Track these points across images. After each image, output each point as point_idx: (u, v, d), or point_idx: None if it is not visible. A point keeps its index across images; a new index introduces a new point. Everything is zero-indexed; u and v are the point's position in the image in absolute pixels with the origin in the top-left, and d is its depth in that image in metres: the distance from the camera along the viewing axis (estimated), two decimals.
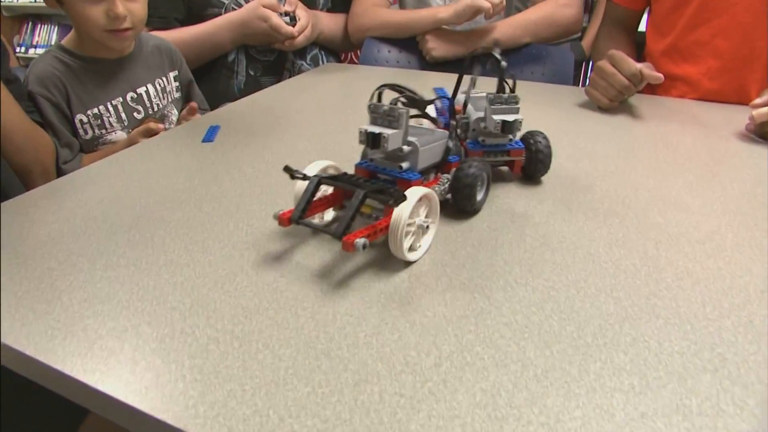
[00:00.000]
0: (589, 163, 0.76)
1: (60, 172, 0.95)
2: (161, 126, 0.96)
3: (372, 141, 0.51)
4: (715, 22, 1.05)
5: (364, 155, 0.59)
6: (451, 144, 0.59)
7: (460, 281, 0.48)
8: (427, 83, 1.22)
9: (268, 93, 1.13)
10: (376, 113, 0.53)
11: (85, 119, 0.99)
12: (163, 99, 1.10)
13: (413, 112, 0.59)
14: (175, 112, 1.14)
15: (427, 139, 0.56)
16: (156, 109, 1.08)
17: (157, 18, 1.26)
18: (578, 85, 2.32)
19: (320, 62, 1.46)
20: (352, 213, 0.48)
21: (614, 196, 0.65)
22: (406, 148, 0.53)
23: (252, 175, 0.71)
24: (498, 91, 0.62)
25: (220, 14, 1.31)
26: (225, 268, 0.51)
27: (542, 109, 1.01)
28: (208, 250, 0.54)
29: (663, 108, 1.02)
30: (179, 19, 1.32)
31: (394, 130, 0.52)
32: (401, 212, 0.47)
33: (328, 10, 1.47)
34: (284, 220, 0.50)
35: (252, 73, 1.38)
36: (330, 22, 1.44)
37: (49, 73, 0.95)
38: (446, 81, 1.19)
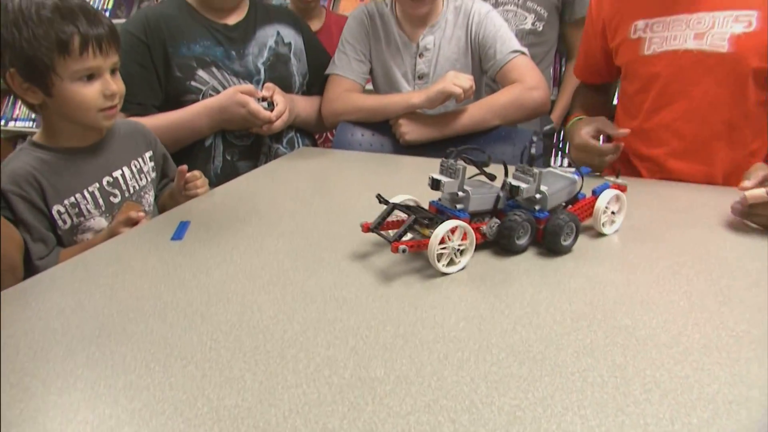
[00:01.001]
0: (560, 258, 0.76)
1: (35, 268, 0.93)
2: (142, 215, 0.96)
3: (433, 184, 0.74)
4: (676, 106, 1.11)
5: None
6: (501, 195, 0.77)
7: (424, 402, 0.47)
8: (400, 167, 1.25)
9: (242, 181, 1.14)
10: (443, 166, 0.75)
11: (62, 209, 0.99)
12: (140, 180, 1.10)
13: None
14: (152, 192, 1.14)
15: (479, 190, 0.76)
16: (132, 191, 1.08)
17: (136, 104, 1.28)
18: (550, 157, 2.39)
19: (296, 144, 1.49)
20: (404, 228, 0.70)
21: (582, 295, 0.66)
22: (461, 193, 0.74)
23: (219, 279, 0.70)
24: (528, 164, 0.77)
25: (198, 100, 1.33)
26: (185, 390, 0.49)
27: None
28: (169, 369, 0.52)
29: (632, 191, 1.05)
30: (157, 105, 1.34)
31: (451, 179, 0.73)
32: (435, 234, 0.67)
33: (303, 93, 1.51)
34: (365, 227, 0.74)
35: (229, 157, 1.39)
36: (306, 106, 1.47)
37: (22, 171, 0.95)
38: (421, 164, 1.22)
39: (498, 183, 0.78)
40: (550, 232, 0.75)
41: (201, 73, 1.34)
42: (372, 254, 0.77)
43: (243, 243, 0.81)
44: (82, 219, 1.00)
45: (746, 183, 0.85)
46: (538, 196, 0.77)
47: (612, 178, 0.88)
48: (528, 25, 1.98)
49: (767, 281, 0.69)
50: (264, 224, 0.89)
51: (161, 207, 1.15)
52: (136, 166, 1.10)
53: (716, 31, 1.05)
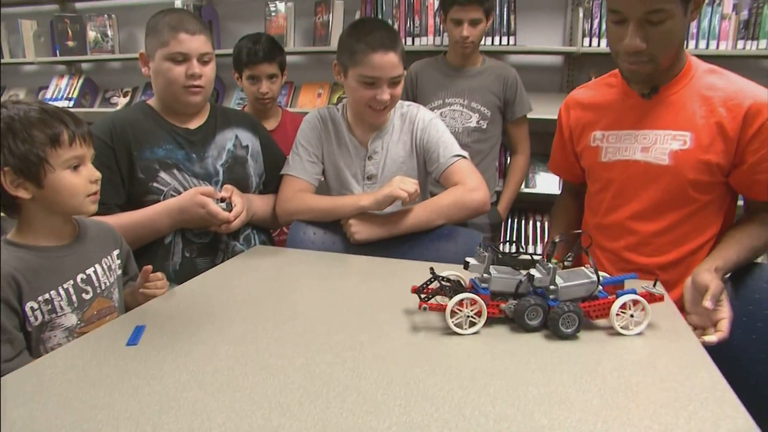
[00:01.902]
0: (490, 359, 0.83)
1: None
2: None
3: (465, 265, 0.95)
4: (628, 207, 1.25)
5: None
6: (523, 281, 0.94)
7: None
8: (349, 267, 1.32)
9: (198, 282, 1.19)
10: (477, 252, 0.95)
11: (35, 306, 1.00)
12: (110, 277, 1.13)
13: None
14: (118, 289, 1.16)
15: (502, 275, 0.94)
16: (104, 287, 1.10)
17: (99, 204, 1.32)
18: (499, 245, 2.49)
19: (252, 241, 1.55)
20: (431, 294, 0.94)
21: (506, 396, 0.72)
22: (485, 275, 0.94)
23: (172, 386, 0.74)
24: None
25: (159, 201, 1.39)
26: None
27: None
28: None
29: None
30: (119, 205, 1.39)
31: (477, 263, 0.94)
32: (450, 301, 0.90)
33: (260, 192, 1.59)
34: (413, 289, 0.97)
35: (187, 254, 1.44)
36: (262, 204, 1.55)
37: (4, 271, 0.97)
38: (370, 264, 1.30)
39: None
40: (551, 318, 0.90)
41: (163, 174, 1.41)
42: (318, 360, 0.82)
43: (196, 348, 0.86)
44: (53, 315, 1.02)
45: (707, 303, 1.01)
46: (552, 287, 0.92)
47: (645, 284, 0.98)
48: (473, 123, 2.15)
49: (673, 378, 0.77)
50: (217, 328, 0.93)
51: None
52: (106, 264, 1.13)
53: (658, 147, 1.20)
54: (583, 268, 0.98)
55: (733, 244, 1.17)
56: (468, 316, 0.91)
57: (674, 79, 1.20)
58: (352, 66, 1.44)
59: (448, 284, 0.97)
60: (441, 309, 0.92)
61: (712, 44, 2.44)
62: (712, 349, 0.90)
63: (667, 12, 1.05)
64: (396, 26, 2.66)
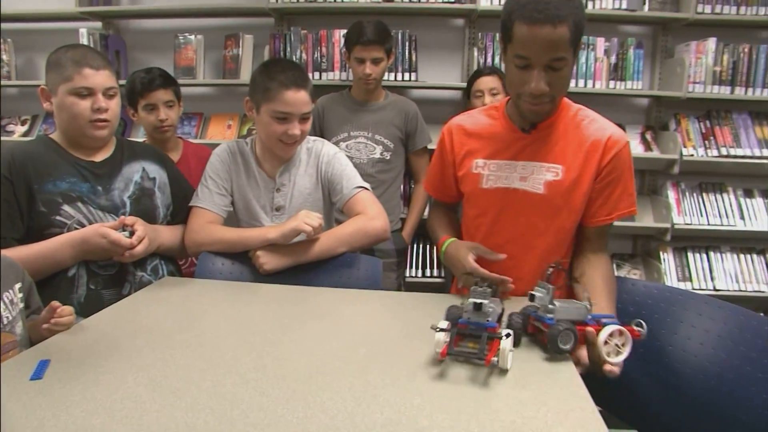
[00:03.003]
0: (380, 374, 0.93)
1: None
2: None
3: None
4: (506, 232, 1.37)
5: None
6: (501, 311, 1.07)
7: None
8: (257, 296, 1.38)
9: (104, 315, 1.20)
10: (475, 292, 1.01)
11: None
12: (12, 311, 1.11)
13: None
14: (21, 323, 1.14)
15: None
16: (6, 322, 1.08)
17: None
18: (404, 271, 2.62)
19: (160, 271, 1.56)
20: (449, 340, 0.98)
21: (393, 404, 0.82)
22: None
23: (79, 416, 0.77)
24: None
25: (62, 233, 1.38)
26: None
27: (351, 316, 1.21)
28: None
29: None
30: (17, 239, 1.37)
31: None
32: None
33: (168, 223, 1.61)
34: (443, 353, 0.96)
35: (93, 287, 1.43)
36: (170, 235, 1.57)
37: None
38: (276, 291, 1.37)
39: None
40: (549, 334, 0.99)
41: (66, 207, 1.40)
42: (224, 382, 0.88)
43: (104, 378, 0.89)
44: None
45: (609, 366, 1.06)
46: (551, 306, 1.02)
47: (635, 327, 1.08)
48: (377, 155, 2.29)
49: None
50: (124, 358, 0.97)
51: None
52: (8, 298, 1.11)
53: (535, 177, 1.33)
54: (571, 299, 1.10)
55: (611, 301, 1.28)
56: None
57: (550, 117, 1.34)
58: (265, 102, 1.53)
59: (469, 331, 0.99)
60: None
61: (589, 83, 2.74)
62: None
63: (565, 59, 1.18)
64: (304, 60, 2.77)
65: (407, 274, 2.67)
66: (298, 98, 1.51)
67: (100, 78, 1.42)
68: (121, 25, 3.09)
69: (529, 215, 1.35)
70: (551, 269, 1.13)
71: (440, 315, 1.08)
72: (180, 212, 1.64)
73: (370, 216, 1.55)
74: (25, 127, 3.11)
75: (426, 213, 2.65)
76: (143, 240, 1.41)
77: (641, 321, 1.08)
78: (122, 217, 1.43)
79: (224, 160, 1.65)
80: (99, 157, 1.50)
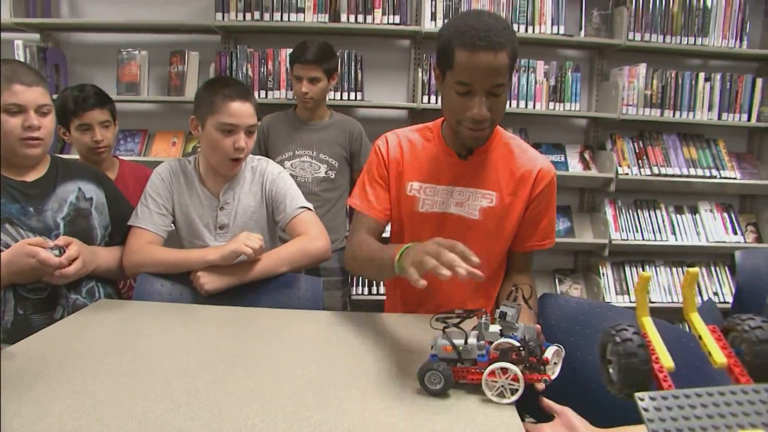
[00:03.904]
0: (315, 395, 0.94)
1: None
2: None
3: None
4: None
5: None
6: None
7: None
8: (195, 317, 1.36)
9: (33, 340, 1.16)
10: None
11: None
12: None
13: None
14: None
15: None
16: None
17: None
18: (349, 290, 2.64)
19: (96, 294, 1.52)
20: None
21: (326, 427, 0.83)
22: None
23: None
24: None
25: None
26: None
27: (289, 337, 1.21)
28: None
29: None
30: None
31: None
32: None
33: (107, 244, 1.57)
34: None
35: (21, 311, 1.37)
36: (109, 257, 1.52)
37: None
38: (217, 313, 1.35)
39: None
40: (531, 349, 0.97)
41: None
42: (154, 407, 0.87)
43: (26, 409, 0.86)
44: None
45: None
46: (516, 325, 1.01)
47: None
48: (322, 174, 2.31)
49: None
50: (51, 386, 0.94)
51: None
52: None
53: (471, 203, 1.36)
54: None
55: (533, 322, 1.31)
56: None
57: (486, 144, 1.36)
58: (210, 115, 1.53)
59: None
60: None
61: (530, 104, 2.85)
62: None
63: (504, 85, 1.21)
64: (250, 78, 2.77)
65: (353, 293, 2.68)
66: (243, 110, 1.53)
67: (32, 95, 1.37)
68: (60, 37, 3.01)
69: (464, 240, 1.35)
70: (515, 289, 1.17)
71: (382, 334, 1.10)
72: (119, 233, 1.60)
73: (312, 237, 1.56)
74: None
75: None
76: (76, 260, 1.36)
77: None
78: (62, 237, 1.38)
79: (165, 179, 1.63)
80: (31, 177, 1.45)
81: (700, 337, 0.66)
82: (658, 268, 3.05)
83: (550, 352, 1.03)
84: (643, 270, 3.02)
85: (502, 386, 0.93)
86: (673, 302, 2.95)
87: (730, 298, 2.90)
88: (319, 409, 0.88)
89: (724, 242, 2.97)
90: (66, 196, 1.48)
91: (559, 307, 1.44)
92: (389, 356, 1.11)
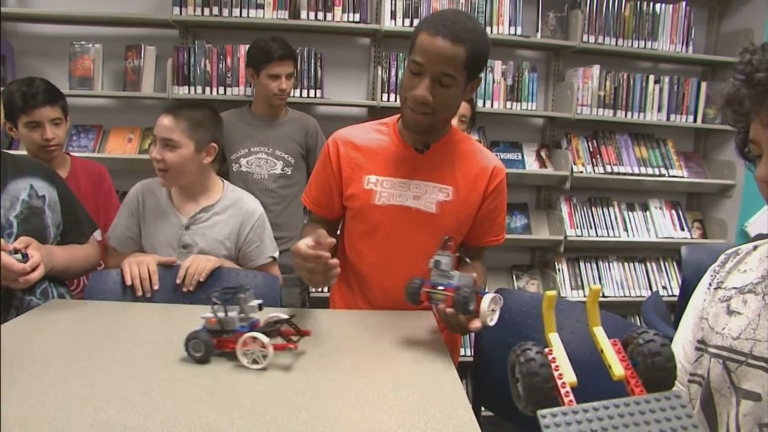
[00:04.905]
0: (269, 389, 0.94)
1: None
2: None
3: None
4: (400, 248, 1.40)
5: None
6: None
7: None
8: (147, 316, 1.34)
9: None
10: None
11: None
12: None
13: None
14: None
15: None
16: None
17: None
18: (308, 287, 2.63)
19: (50, 295, 1.48)
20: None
21: (280, 421, 0.84)
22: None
23: None
24: None
25: None
26: None
27: None
28: None
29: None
30: None
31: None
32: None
33: (58, 243, 1.53)
34: None
35: None
36: (63, 256, 1.47)
37: None
38: (170, 312, 1.34)
39: None
40: (459, 297, 1.06)
41: None
42: (107, 408, 0.86)
43: None
44: None
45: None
46: (452, 272, 1.10)
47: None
48: (278, 170, 2.31)
49: (423, 390, 0.95)
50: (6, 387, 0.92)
51: None
52: None
53: (428, 196, 1.39)
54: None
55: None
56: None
57: (442, 140, 1.41)
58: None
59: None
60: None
61: (488, 103, 2.90)
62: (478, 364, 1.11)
63: (454, 79, 1.25)
64: (208, 74, 2.73)
65: (312, 290, 2.68)
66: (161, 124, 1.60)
67: None
68: (8, 28, 2.89)
69: (421, 233, 1.39)
70: (447, 239, 1.19)
71: (338, 328, 1.11)
72: (70, 231, 1.56)
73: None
74: None
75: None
76: (39, 266, 1.32)
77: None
78: (15, 244, 1.32)
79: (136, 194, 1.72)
80: None
81: (602, 351, 0.71)
82: (611, 263, 3.15)
83: (486, 300, 1.10)
84: (597, 264, 3.12)
85: (254, 354, 1.02)
86: (625, 296, 3.06)
87: (677, 291, 3.02)
88: (275, 404, 0.89)
89: (672, 238, 3.10)
90: (17, 193, 1.43)
91: (514, 301, 1.49)
92: (350, 352, 1.13)
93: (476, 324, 1.11)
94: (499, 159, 1.47)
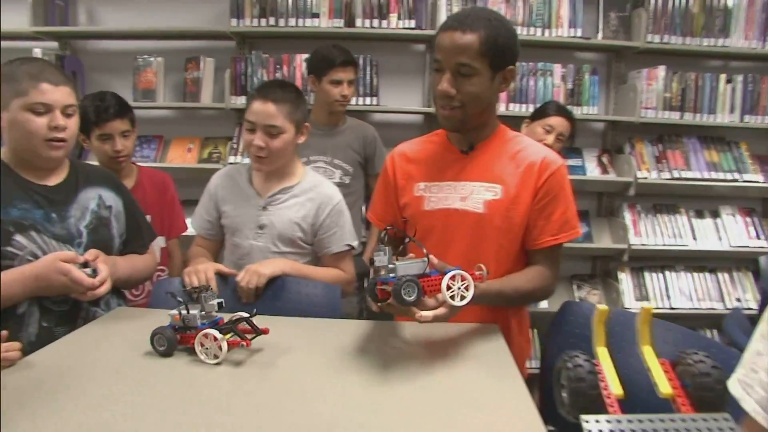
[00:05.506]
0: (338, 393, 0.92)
1: None
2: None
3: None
4: (450, 252, 1.35)
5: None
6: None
7: None
8: None
9: (53, 349, 1.16)
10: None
11: None
12: None
13: None
14: None
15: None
16: None
17: None
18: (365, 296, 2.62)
19: (112, 305, 1.49)
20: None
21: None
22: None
23: None
24: None
25: (13, 266, 1.28)
26: None
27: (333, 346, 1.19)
28: None
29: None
30: None
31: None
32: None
33: (120, 252, 1.54)
34: None
35: (45, 324, 1.33)
36: (126, 266, 1.48)
37: None
38: None
39: None
40: (393, 290, 0.99)
41: (18, 238, 1.30)
42: (179, 420, 0.86)
43: (45, 422, 0.85)
44: None
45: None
46: (390, 266, 1.04)
47: (479, 271, 1.14)
48: (336, 179, 2.30)
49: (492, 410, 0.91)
50: (70, 397, 0.93)
51: None
52: None
53: (475, 197, 1.36)
54: (411, 254, 1.13)
55: (500, 280, 1.31)
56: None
57: (487, 139, 1.39)
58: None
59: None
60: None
61: None
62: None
63: (474, 68, 1.24)
64: None
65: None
66: (263, 109, 1.58)
67: (59, 94, 1.32)
68: (78, 45, 3.04)
69: (470, 234, 1.36)
70: (385, 231, 1.15)
71: (400, 339, 1.08)
72: (132, 241, 1.58)
73: (348, 276, 1.69)
74: None
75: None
76: (106, 281, 1.31)
77: (482, 265, 1.15)
78: (91, 251, 1.34)
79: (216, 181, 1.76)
80: (52, 181, 1.40)
81: (649, 369, 0.73)
82: (678, 274, 2.99)
83: (446, 278, 1.05)
84: (663, 275, 2.97)
85: (211, 349, 1.08)
86: (694, 308, 2.89)
87: (753, 304, 2.84)
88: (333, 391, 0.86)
89: (747, 247, 2.91)
90: (87, 203, 1.45)
91: (582, 314, 1.41)
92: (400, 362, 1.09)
93: (423, 314, 1.05)
94: (554, 153, 1.40)
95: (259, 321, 1.15)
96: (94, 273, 1.30)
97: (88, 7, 3.02)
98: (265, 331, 1.17)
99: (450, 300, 1.05)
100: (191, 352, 1.11)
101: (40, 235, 1.34)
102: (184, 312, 1.13)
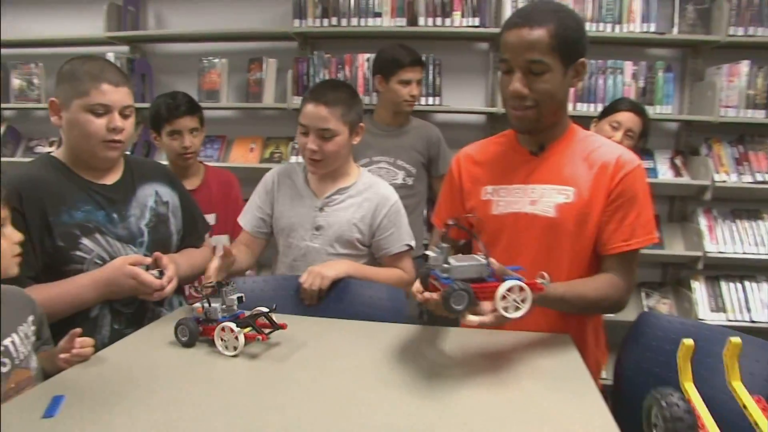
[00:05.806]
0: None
1: None
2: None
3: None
4: (520, 257, 1.28)
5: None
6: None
7: None
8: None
9: (120, 348, 1.17)
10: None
11: None
12: (27, 345, 1.06)
13: None
14: (34, 357, 1.10)
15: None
16: (22, 358, 1.04)
17: (10, 279, 1.24)
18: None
19: (174, 304, 1.51)
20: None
21: None
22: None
23: None
24: None
25: (82, 270, 1.29)
26: None
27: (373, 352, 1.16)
28: None
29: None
30: (33, 277, 1.26)
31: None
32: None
33: (177, 248, 1.54)
34: None
35: (116, 326, 1.36)
36: (184, 264, 1.46)
37: None
38: (300, 324, 1.33)
39: None
40: (443, 296, 0.94)
41: (85, 241, 1.31)
42: (246, 424, 0.84)
43: (119, 418, 0.85)
44: None
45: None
46: (445, 265, 0.98)
47: (541, 279, 1.08)
48: (399, 180, 2.26)
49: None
50: (140, 396, 0.93)
51: None
52: (23, 332, 1.06)
53: (545, 200, 1.29)
54: (474, 255, 1.06)
55: (564, 284, 1.23)
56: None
57: (558, 140, 1.32)
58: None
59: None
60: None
61: None
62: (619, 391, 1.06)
63: (546, 65, 1.18)
64: None
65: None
66: (314, 112, 1.57)
67: (118, 95, 1.32)
68: (147, 48, 3.14)
69: (541, 239, 1.30)
70: (447, 227, 1.11)
71: (465, 348, 1.03)
72: (189, 235, 1.58)
73: (408, 276, 1.65)
74: (53, 149, 3.16)
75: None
76: (172, 281, 1.32)
77: (544, 273, 1.09)
78: (156, 254, 1.34)
79: (270, 180, 1.73)
80: (110, 180, 1.40)
81: (744, 407, 0.70)
82: (759, 284, 2.79)
83: (502, 288, 0.98)
84: (743, 285, 2.78)
85: (227, 341, 1.12)
86: None
87: None
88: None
89: None
90: (145, 200, 1.45)
91: (661, 327, 1.33)
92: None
93: (470, 319, 1.00)
94: (630, 152, 1.31)
95: (317, 323, 1.14)
96: (161, 274, 1.31)
97: (156, 11, 3.12)
98: (282, 326, 1.19)
99: (503, 311, 0.98)
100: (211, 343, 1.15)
101: (105, 236, 1.34)
102: (206, 305, 1.18)
